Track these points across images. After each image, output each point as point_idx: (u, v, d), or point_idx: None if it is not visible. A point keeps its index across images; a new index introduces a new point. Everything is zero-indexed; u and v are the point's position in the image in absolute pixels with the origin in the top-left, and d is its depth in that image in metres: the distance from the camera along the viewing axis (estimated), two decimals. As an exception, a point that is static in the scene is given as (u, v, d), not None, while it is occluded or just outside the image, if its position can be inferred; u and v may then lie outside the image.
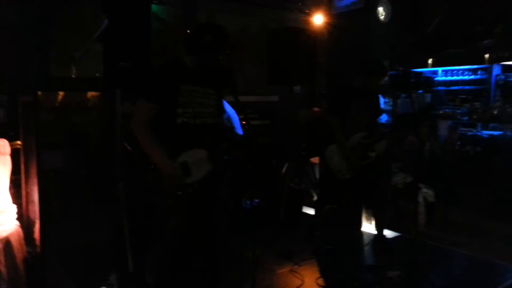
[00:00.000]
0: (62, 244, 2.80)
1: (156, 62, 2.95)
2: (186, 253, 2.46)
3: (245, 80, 5.64)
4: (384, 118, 4.06)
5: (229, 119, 3.74)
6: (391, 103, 5.66)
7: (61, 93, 3.36)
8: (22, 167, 2.82)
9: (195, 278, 2.74)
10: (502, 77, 6.43)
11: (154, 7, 4.95)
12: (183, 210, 2.33)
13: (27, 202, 2.79)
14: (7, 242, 2.47)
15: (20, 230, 2.66)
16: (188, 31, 2.43)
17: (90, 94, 3.58)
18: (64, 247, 2.82)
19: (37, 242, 2.72)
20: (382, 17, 4.41)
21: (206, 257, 2.62)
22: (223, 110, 2.59)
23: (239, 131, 3.82)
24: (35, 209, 2.74)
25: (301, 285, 2.97)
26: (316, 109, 5.01)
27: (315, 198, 4.29)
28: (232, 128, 3.73)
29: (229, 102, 3.79)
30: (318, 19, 5.36)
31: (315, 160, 4.53)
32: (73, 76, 3.40)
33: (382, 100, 4.85)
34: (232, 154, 2.55)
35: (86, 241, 2.91)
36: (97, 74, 3.48)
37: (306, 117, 4.74)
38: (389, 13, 4.44)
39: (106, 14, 2.92)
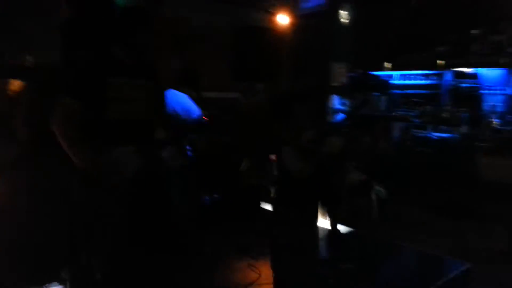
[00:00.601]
0: (10, 238, 2.69)
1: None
2: (133, 247, 2.39)
3: (207, 76, 5.63)
4: (340, 117, 4.19)
5: (187, 111, 3.69)
6: (348, 104, 5.84)
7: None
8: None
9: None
10: (453, 83, 6.80)
11: (116, -1, 4.85)
12: (115, 207, 2.19)
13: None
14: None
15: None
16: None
17: (14, 83, 3.35)
18: (12, 240, 2.71)
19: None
20: (344, 20, 4.56)
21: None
22: (160, 103, 2.45)
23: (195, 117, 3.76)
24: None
25: (258, 278, 3.02)
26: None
27: (273, 194, 4.36)
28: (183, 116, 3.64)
29: (191, 97, 3.77)
30: (283, 19, 5.44)
31: (274, 156, 4.60)
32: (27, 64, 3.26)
33: (338, 100, 5.00)
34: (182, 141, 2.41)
35: (36, 234, 2.81)
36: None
37: (256, 108, 4.75)
38: (352, 17, 4.60)
39: (66, 2, 2.85)
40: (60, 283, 2.77)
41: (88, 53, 2.34)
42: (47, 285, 2.70)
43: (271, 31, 4.72)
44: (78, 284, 2.71)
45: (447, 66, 6.93)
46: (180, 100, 3.67)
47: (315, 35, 4.55)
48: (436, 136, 5.64)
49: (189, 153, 3.60)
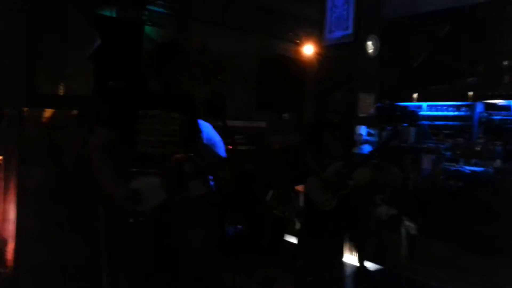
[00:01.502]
0: (36, 265, 2.70)
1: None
2: (160, 277, 2.36)
3: (234, 105, 5.68)
4: (367, 149, 4.11)
5: (210, 140, 3.69)
6: (376, 135, 5.75)
7: (47, 110, 3.32)
8: (1, 183, 2.75)
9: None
10: (485, 114, 6.61)
11: (147, 28, 5.01)
12: (139, 237, 2.21)
13: (2, 220, 2.71)
14: (-22, 261, 2.37)
15: (-8, 248, 2.57)
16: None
17: (75, 112, 3.53)
18: (38, 267, 2.71)
19: (9, 262, 2.62)
20: (370, 51, 4.54)
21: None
22: (192, 135, 2.44)
23: (222, 153, 3.78)
24: (9, 228, 2.66)
25: (281, 315, 2.92)
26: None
27: (298, 226, 4.27)
28: (210, 149, 3.66)
29: (217, 126, 3.78)
30: (309, 50, 5.47)
31: (300, 188, 4.53)
32: (60, 93, 3.37)
33: (365, 130, 4.92)
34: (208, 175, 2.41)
35: (61, 262, 2.81)
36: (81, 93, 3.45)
37: (285, 144, 4.75)
38: (378, 48, 4.57)
39: (98, 33, 2.94)
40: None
41: (123, 84, 2.41)
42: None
43: (297, 61, 4.75)
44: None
45: (479, 97, 6.78)
46: (204, 130, 3.68)
47: (341, 65, 4.54)
48: (468, 169, 5.44)
49: (211, 183, 3.59)
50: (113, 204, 2.15)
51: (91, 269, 2.83)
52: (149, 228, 2.21)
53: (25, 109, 2.85)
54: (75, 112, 3.38)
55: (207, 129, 3.73)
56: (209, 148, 2.80)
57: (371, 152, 3.85)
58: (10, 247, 2.62)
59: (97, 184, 2.14)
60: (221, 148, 3.76)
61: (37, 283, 2.76)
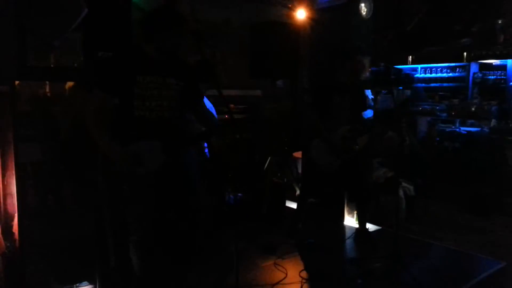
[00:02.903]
0: (41, 239, 2.72)
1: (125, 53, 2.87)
2: (164, 239, 2.40)
3: (227, 74, 5.59)
4: (370, 113, 4.10)
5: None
6: (372, 100, 5.73)
7: (39, 84, 3.26)
8: (-1, 159, 2.73)
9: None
10: (480, 75, 6.59)
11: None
12: (139, 200, 2.27)
13: (5, 195, 2.70)
14: (-17, 236, 2.39)
15: (-3, 224, 2.58)
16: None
17: (68, 84, 3.48)
18: (43, 241, 2.74)
19: (15, 236, 2.64)
20: (364, 13, 4.46)
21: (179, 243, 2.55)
22: (191, 100, 2.45)
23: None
24: (13, 202, 2.66)
25: (284, 278, 2.98)
26: (300, 102, 5.01)
27: (298, 192, 4.31)
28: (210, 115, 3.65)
29: (211, 95, 3.74)
30: (301, 14, 5.36)
31: (298, 154, 4.55)
32: (51, 65, 3.30)
33: (370, 95, 4.89)
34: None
35: (66, 235, 2.84)
36: (75, 64, 3.39)
37: (287, 111, 4.73)
38: (371, 10, 4.48)
39: (85, 2, 2.84)
40: (90, 283, 2.79)
41: (113, 53, 2.38)
42: (77, 284, 2.72)
43: (290, 26, 4.65)
44: (107, 283, 2.74)
45: (473, 58, 6.73)
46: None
47: (334, 29, 4.46)
48: (464, 130, 5.47)
49: (206, 150, 3.60)
50: (112, 169, 2.18)
51: (96, 241, 2.87)
52: (149, 191, 2.25)
53: (17, 83, 2.80)
54: (68, 84, 3.34)
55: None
56: (209, 114, 2.78)
57: (369, 117, 3.85)
58: (16, 221, 2.62)
59: (96, 151, 2.15)
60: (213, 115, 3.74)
61: (42, 256, 2.79)
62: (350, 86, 3.48)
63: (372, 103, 4.51)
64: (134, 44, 2.45)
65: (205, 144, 3.58)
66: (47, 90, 3.65)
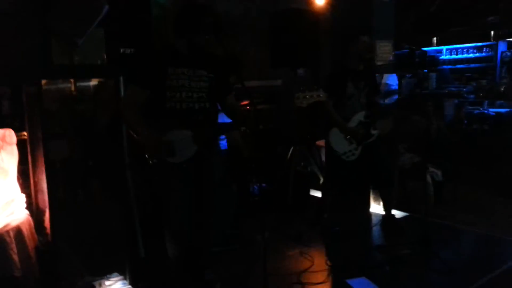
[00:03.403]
0: (72, 232, 2.81)
1: (156, 47, 2.92)
2: (196, 229, 2.45)
3: (248, 65, 5.57)
4: (395, 98, 4.02)
5: None
6: (396, 84, 5.61)
7: (64, 82, 3.34)
8: (29, 157, 2.82)
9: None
10: (508, 53, 6.36)
11: (153, -10, 4.88)
12: (175, 188, 2.34)
13: (36, 191, 2.80)
14: (18, 231, 2.48)
15: (30, 219, 2.67)
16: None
17: (93, 81, 3.55)
18: (74, 235, 2.83)
19: (48, 230, 2.73)
20: (386, -5, 4.35)
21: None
22: (221, 92, 2.50)
23: None
24: (44, 198, 2.75)
25: (311, 266, 2.98)
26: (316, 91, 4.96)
27: (322, 181, 4.28)
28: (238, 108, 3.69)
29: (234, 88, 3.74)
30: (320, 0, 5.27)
31: (321, 143, 4.51)
32: (75, 63, 3.37)
33: (395, 79, 4.77)
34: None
35: (96, 228, 2.92)
36: (99, 61, 3.45)
37: (301, 100, 4.66)
38: (394, -9, 4.37)
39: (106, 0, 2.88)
40: (120, 274, 2.86)
41: (150, 47, 2.52)
42: (108, 275, 2.80)
43: (309, 13, 4.57)
44: (136, 274, 2.81)
45: (500, 36, 6.49)
46: None
47: (355, 13, 4.37)
48: (492, 111, 5.29)
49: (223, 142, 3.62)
50: (145, 161, 2.26)
51: (125, 233, 2.94)
52: (182, 179, 2.32)
53: (44, 82, 2.88)
54: (93, 82, 3.42)
55: None
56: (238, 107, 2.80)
57: (392, 101, 3.77)
58: (47, 216, 2.72)
59: (129, 143, 2.24)
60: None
61: (73, 249, 2.88)
62: (364, 71, 3.41)
63: (396, 87, 4.41)
64: (166, 40, 2.56)
65: (222, 136, 3.60)
66: (73, 88, 3.73)
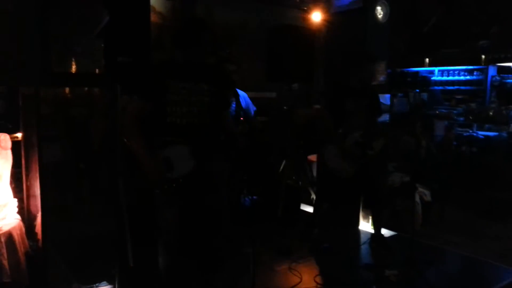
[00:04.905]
0: (63, 238, 2.80)
1: (154, 56, 2.95)
2: (190, 242, 2.46)
3: (242, 76, 5.62)
4: (386, 118, 4.08)
5: (246, 111, 3.70)
6: (387, 104, 5.69)
7: (61, 88, 3.36)
8: (23, 160, 2.81)
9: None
10: (498, 78, 6.50)
11: (152, 0, 4.91)
12: (172, 204, 2.35)
13: (28, 196, 2.79)
14: (9, 236, 2.47)
15: (21, 224, 2.66)
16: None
17: (90, 88, 3.57)
18: (65, 240, 2.82)
19: (38, 236, 2.72)
20: (380, 17, 4.44)
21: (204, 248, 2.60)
22: (222, 105, 2.52)
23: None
24: (36, 203, 2.74)
25: (299, 282, 3.00)
26: (316, 106, 5.03)
27: (313, 196, 4.32)
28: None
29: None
30: (317, 17, 5.36)
31: (313, 158, 4.56)
32: (72, 71, 3.39)
33: (386, 99, 4.83)
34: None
35: (87, 235, 2.92)
36: (97, 70, 3.47)
37: (304, 116, 4.74)
38: (387, 13, 4.47)
39: (107, 10, 2.91)
40: (109, 283, 2.85)
41: (151, 57, 2.52)
42: (97, 284, 2.79)
43: (305, 29, 4.65)
44: (126, 283, 2.80)
45: (491, 61, 6.63)
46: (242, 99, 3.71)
47: (350, 32, 4.45)
48: (481, 135, 5.41)
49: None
50: (143, 173, 2.26)
51: (115, 240, 2.93)
52: (177, 196, 2.33)
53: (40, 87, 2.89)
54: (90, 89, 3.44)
55: (245, 99, 3.75)
56: (231, 124, 2.82)
57: (384, 121, 3.83)
58: (38, 221, 2.71)
59: (127, 154, 2.28)
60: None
61: (63, 255, 2.87)
62: (364, 90, 3.48)
63: (388, 106, 4.47)
64: (164, 52, 2.55)
65: None
66: (67, 92, 3.74)
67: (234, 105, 3.58)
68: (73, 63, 3.57)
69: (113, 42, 3.00)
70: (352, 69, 3.48)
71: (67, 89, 3.49)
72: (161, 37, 4.72)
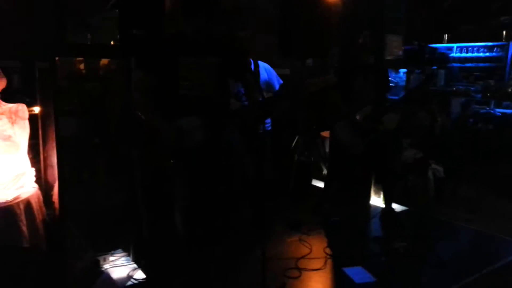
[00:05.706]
0: (79, 208, 2.89)
1: (165, 30, 2.94)
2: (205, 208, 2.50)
3: (255, 52, 5.56)
4: (401, 94, 4.03)
5: (268, 83, 3.59)
6: (404, 79, 5.60)
7: (77, 60, 3.39)
8: (40, 132, 2.88)
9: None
10: (518, 55, 6.31)
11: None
12: (185, 174, 2.37)
13: (45, 166, 2.87)
14: (27, 203, 2.55)
15: (39, 192, 2.74)
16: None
17: (104, 61, 3.59)
18: (81, 210, 2.90)
19: (56, 205, 2.81)
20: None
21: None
22: (237, 74, 2.50)
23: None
24: (53, 173, 2.82)
25: (309, 253, 3.05)
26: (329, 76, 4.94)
27: (325, 171, 4.33)
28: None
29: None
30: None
31: (326, 134, 4.55)
32: (88, 43, 3.41)
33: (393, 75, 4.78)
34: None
35: (103, 206, 3.00)
36: (112, 42, 3.48)
37: (316, 83, 4.66)
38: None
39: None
40: (124, 251, 2.94)
41: (163, 30, 2.51)
42: (112, 252, 2.87)
43: (320, 3, 4.56)
44: (140, 252, 2.89)
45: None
46: (263, 72, 3.61)
47: (367, 5, 4.36)
48: (498, 112, 5.30)
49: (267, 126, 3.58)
50: (157, 144, 2.28)
51: (131, 213, 3.01)
52: (190, 166, 2.34)
53: (57, 59, 2.92)
54: (104, 61, 3.46)
55: (267, 71, 3.63)
56: (259, 87, 2.72)
57: (401, 97, 3.78)
58: (55, 190, 2.79)
59: (139, 126, 2.30)
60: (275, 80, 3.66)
61: (80, 223, 2.96)
62: (374, 65, 3.44)
63: (403, 83, 4.42)
64: (175, 25, 2.53)
65: (268, 120, 3.56)
66: (82, 67, 3.78)
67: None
68: (88, 35, 3.58)
69: (127, 13, 3.02)
70: (354, 37, 3.45)
71: (82, 64, 3.52)
72: (172, 10, 4.69)
